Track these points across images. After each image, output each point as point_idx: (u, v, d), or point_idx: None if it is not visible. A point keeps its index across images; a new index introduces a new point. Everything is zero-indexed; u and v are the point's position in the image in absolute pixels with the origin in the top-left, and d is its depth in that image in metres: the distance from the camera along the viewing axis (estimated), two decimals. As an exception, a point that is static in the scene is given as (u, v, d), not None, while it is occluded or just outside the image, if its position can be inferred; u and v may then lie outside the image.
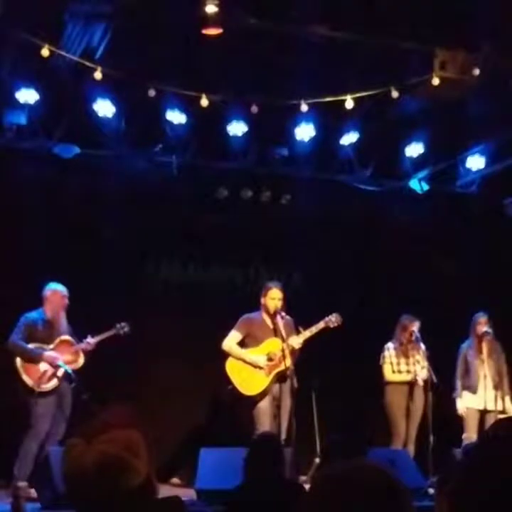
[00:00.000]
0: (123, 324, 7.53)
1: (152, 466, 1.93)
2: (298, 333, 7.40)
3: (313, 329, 7.47)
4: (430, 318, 8.41)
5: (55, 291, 7.38)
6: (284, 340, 7.23)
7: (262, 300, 7.50)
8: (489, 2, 6.56)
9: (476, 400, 8.19)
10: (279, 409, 7.28)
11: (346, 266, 9.42)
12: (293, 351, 7.30)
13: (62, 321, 7.38)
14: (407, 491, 1.52)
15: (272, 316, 7.42)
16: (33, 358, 7.17)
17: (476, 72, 7.17)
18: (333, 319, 7.53)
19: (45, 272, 7.48)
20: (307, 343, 7.43)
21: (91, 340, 7.38)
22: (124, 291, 8.55)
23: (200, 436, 8.44)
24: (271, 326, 7.47)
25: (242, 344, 7.52)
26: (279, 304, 7.41)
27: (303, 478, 7.16)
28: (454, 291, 9.40)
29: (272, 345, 7.38)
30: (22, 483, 6.88)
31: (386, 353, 8.30)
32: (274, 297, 7.43)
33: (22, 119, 8.07)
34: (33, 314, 7.32)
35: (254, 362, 7.38)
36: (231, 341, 7.48)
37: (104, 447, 1.86)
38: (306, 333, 7.42)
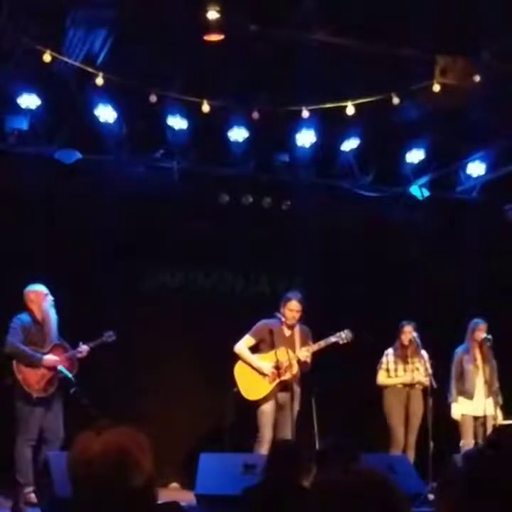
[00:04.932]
0: (110, 333, 7.45)
1: (154, 472, 1.94)
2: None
3: (322, 343, 7.56)
4: (431, 324, 8.42)
5: (38, 292, 7.24)
6: (294, 351, 7.36)
7: (281, 310, 7.56)
8: (489, 8, 6.57)
9: (472, 406, 8.19)
10: (292, 413, 7.33)
11: (347, 272, 9.42)
12: (300, 362, 7.38)
13: (53, 323, 7.24)
14: (404, 497, 1.53)
15: (290, 327, 7.52)
16: (33, 362, 7.06)
17: (477, 78, 7.19)
18: (343, 336, 7.59)
19: (45, 276, 7.47)
20: (316, 355, 7.52)
21: (84, 348, 7.29)
22: (124, 295, 8.56)
23: (200, 441, 8.44)
24: (287, 335, 7.53)
25: (256, 348, 7.57)
26: (297, 315, 7.52)
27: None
28: (454, 297, 9.40)
29: (282, 353, 7.43)
30: (28, 489, 6.89)
31: (384, 359, 8.35)
32: (292, 309, 7.52)
33: (23, 125, 8.07)
34: (24, 316, 7.19)
35: (260, 368, 7.45)
36: (243, 345, 7.56)
37: (113, 437, 1.89)
38: (315, 347, 7.51)
